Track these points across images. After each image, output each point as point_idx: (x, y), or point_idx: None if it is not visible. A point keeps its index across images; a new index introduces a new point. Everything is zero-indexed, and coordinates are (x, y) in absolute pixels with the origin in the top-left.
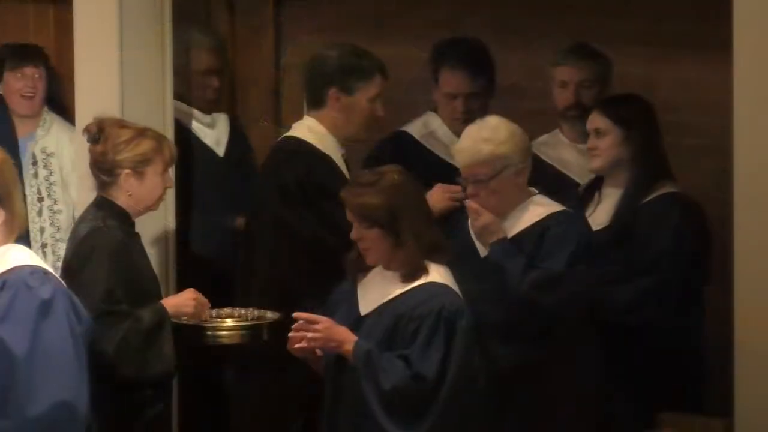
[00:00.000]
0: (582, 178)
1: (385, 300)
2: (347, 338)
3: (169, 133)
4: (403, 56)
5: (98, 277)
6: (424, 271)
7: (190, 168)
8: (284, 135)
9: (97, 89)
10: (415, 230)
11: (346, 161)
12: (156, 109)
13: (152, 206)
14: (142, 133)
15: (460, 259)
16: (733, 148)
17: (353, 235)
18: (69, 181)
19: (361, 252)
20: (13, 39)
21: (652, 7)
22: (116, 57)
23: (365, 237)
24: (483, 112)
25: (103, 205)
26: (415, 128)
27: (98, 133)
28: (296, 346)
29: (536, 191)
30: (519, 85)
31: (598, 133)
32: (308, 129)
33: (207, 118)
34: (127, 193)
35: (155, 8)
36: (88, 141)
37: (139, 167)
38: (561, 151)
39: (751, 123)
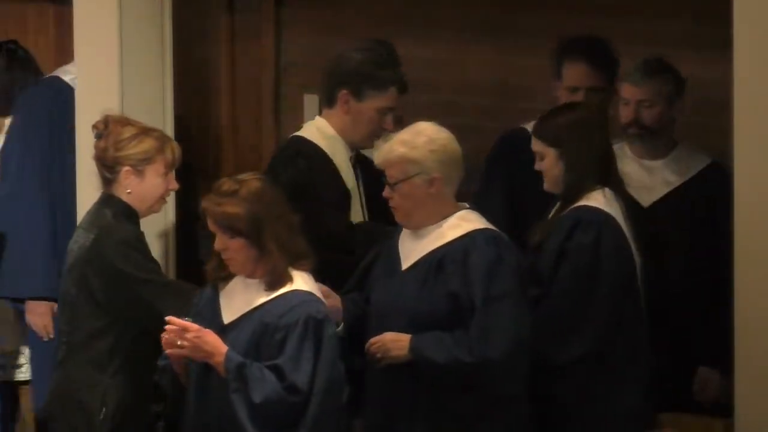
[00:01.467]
0: (639, 193)
1: (249, 308)
2: (218, 349)
3: (169, 133)
4: (404, 57)
5: (137, 259)
6: (288, 278)
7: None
8: (293, 134)
9: (97, 89)
10: (279, 238)
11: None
12: (156, 109)
13: (154, 207)
14: (145, 132)
15: (385, 271)
16: (733, 148)
17: (216, 245)
18: None
19: (224, 261)
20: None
21: (652, 7)
22: (116, 57)
23: (229, 247)
24: (605, 106)
25: (108, 202)
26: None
27: (104, 129)
28: (167, 351)
29: (466, 206)
30: (509, 85)
31: (540, 155)
32: (317, 129)
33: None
34: (126, 190)
35: (155, 8)
36: (94, 137)
37: (139, 165)
38: (622, 164)
39: (751, 123)
